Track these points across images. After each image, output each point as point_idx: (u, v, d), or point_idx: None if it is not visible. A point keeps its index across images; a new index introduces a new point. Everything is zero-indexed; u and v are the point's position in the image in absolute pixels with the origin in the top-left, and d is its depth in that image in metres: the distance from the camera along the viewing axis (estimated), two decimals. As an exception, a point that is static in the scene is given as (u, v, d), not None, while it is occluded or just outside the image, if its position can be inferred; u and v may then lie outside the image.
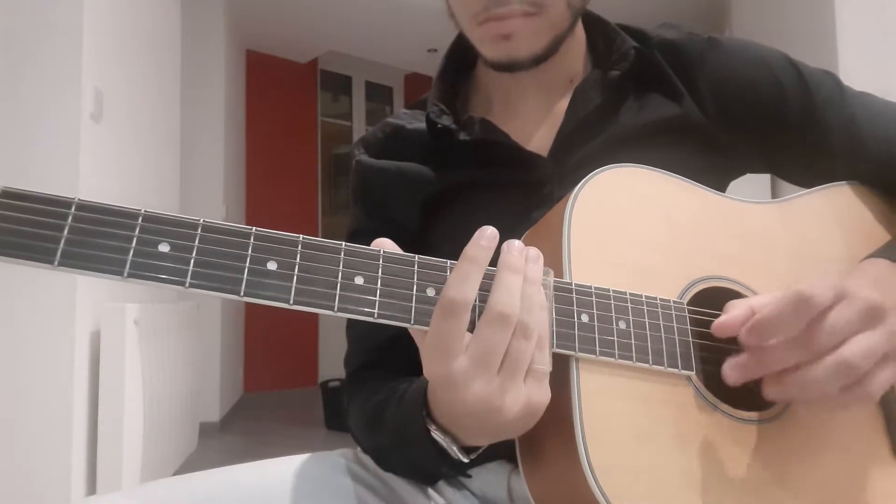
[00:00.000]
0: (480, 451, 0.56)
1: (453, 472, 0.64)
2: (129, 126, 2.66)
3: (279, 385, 5.42)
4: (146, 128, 2.92)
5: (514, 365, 0.48)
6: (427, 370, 0.50)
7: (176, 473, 2.89)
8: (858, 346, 0.51)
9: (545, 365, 0.49)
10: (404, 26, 5.30)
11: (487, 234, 0.49)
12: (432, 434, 0.55)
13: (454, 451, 0.55)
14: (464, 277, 0.48)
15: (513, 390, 0.48)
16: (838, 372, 0.51)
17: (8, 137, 2.06)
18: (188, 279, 0.44)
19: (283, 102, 5.82)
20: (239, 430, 4.30)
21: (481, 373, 0.47)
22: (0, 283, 2.06)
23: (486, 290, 0.49)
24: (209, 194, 4.26)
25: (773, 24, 3.67)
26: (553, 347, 0.52)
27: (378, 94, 6.64)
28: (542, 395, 0.50)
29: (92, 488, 2.22)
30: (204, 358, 3.75)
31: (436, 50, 5.62)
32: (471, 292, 0.48)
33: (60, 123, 2.13)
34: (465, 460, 0.55)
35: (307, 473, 0.69)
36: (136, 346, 2.35)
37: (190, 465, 3.14)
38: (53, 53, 2.14)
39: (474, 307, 0.48)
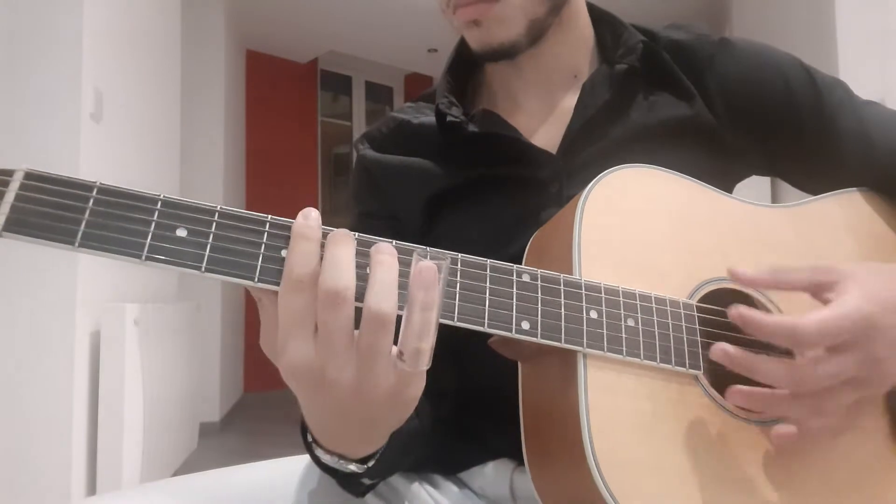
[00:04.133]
0: (377, 455, 0.54)
1: (365, 486, 0.61)
2: (129, 126, 2.66)
3: (279, 385, 5.37)
4: (146, 128, 2.92)
5: (365, 349, 0.44)
6: (282, 361, 0.45)
7: (176, 473, 2.89)
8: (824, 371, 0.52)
9: (412, 364, 0.43)
10: (404, 26, 5.30)
11: (313, 215, 0.45)
12: (321, 459, 0.53)
13: (345, 467, 0.53)
14: (302, 254, 0.44)
15: (371, 375, 0.44)
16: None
17: (8, 137, 2.06)
18: (204, 264, 0.44)
19: (283, 102, 5.82)
20: (239, 430, 4.30)
21: (329, 354, 0.43)
22: (0, 282, 2.06)
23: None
24: (209, 194, 4.26)
25: (773, 24, 3.67)
26: (562, 343, 0.52)
27: (378, 94, 6.64)
28: (412, 388, 0.45)
29: (92, 488, 2.22)
30: (204, 358, 3.75)
31: (436, 50, 5.62)
32: (311, 264, 0.44)
33: (60, 123, 2.13)
34: (360, 471, 0.54)
35: (307, 474, 0.69)
36: (136, 346, 2.35)
37: (190, 465, 3.14)
38: (53, 53, 2.14)
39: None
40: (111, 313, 2.28)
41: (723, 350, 0.53)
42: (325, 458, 0.53)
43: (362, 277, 0.45)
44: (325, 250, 0.44)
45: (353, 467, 0.53)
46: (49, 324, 2.10)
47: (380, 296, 0.43)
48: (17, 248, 2.03)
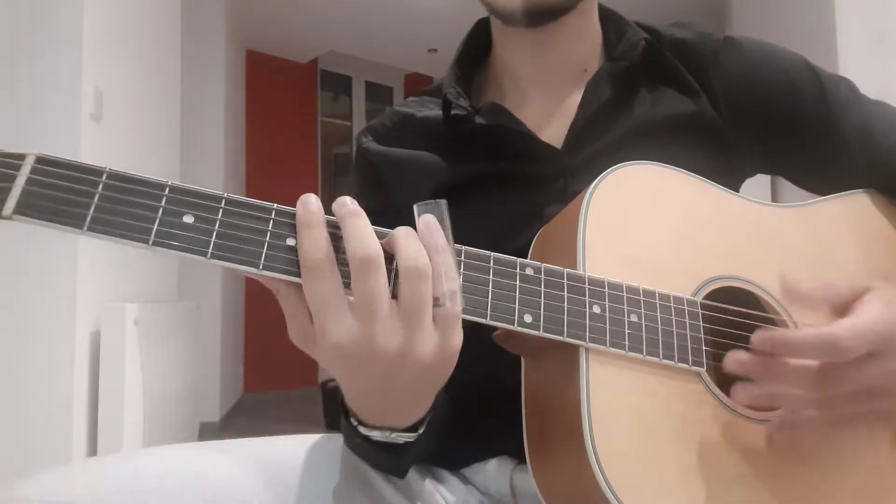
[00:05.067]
0: (426, 421, 0.54)
1: (408, 462, 0.62)
2: (129, 126, 2.66)
3: (279, 385, 5.42)
4: (146, 128, 2.92)
5: (410, 307, 0.45)
6: (324, 347, 0.46)
7: (176, 473, 2.89)
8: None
9: (451, 305, 0.47)
10: (404, 26, 5.30)
11: (311, 201, 0.47)
12: (371, 437, 0.54)
13: (398, 438, 0.54)
14: (312, 241, 0.45)
15: (419, 333, 0.46)
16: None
17: (8, 137, 2.06)
18: (210, 250, 0.45)
19: (283, 102, 5.82)
20: (239, 430, 4.30)
21: (374, 322, 0.44)
22: (0, 282, 2.06)
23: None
24: (209, 194, 4.25)
25: (773, 24, 3.67)
26: (564, 337, 0.52)
27: (378, 94, 6.64)
28: (454, 339, 0.47)
29: (92, 488, 2.22)
30: (204, 358, 3.75)
31: (436, 50, 5.62)
32: (324, 248, 0.45)
33: (60, 123, 2.13)
34: (412, 439, 0.54)
35: (321, 451, 0.69)
36: (136, 346, 2.34)
37: (190, 465, 3.14)
38: (53, 53, 2.14)
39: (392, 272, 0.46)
40: (111, 313, 2.28)
41: (737, 359, 0.52)
42: (376, 435, 0.54)
43: None
44: (343, 223, 0.46)
45: (405, 438, 0.54)
46: (49, 324, 2.10)
47: (410, 252, 0.45)
48: (18, 248, 2.03)
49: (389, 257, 0.46)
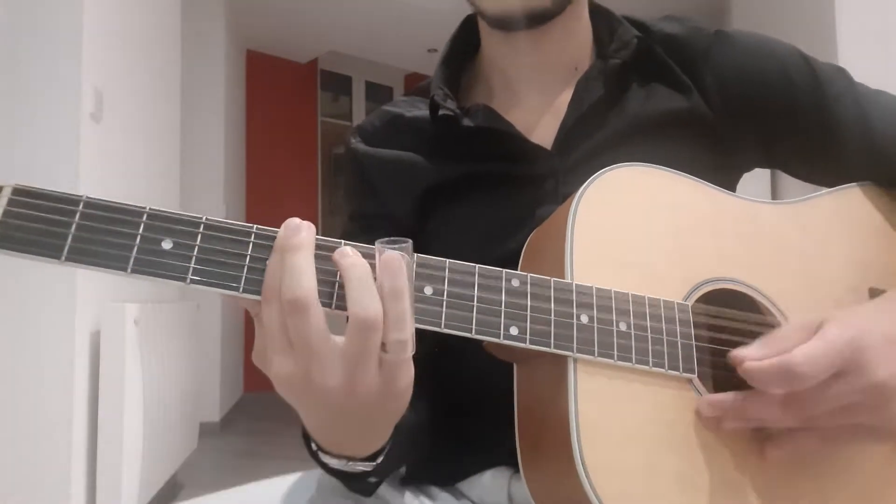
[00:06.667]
0: (385, 451, 0.54)
1: (374, 484, 0.61)
2: (129, 126, 2.66)
3: (279, 385, 5.42)
4: (146, 128, 2.92)
5: (355, 354, 0.43)
6: (272, 377, 0.45)
7: (176, 473, 2.89)
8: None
9: (398, 353, 0.44)
10: (404, 26, 5.30)
11: (290, 226, 0.45)
12: (329, 465, 0.53)
13: (354, 467, 0.53)
14: (272, 266, 0.45)
15: (361, 375, 0.44)
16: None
17: (8, 137, 2.06)
18: (189, 276, 0.45)
19: (283, 102, 5.82)
20: (239, 430, 4.30)
21: (308, 361, 0.43)
22: (0, 283, 2.06)
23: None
24: (209, 194, 4.26)
25: (772, 23, 3.67)
26: (551, 348, 0.52)
27: (378, 94, 6.64)
28: (401, 379, 0.45)
29: (92, 488, 2.22)
30: (204, 358, 3.75)
31: (436, 50, 5.61)
32: (272, 281, 0.44)
33: (60, 123, 2.13)
34: (369, 469, 0.54)
35: (295, 496, 0.68)
36: (136, 346, 2.34)
37: (190, 465, 3.14)
38: (53, 53, 2.14)
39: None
40: (111, 313, 2.27)
41: (707, 403, 0.53)
42: (333, 463, 0.53)
43: (331, 284, 0.46)
44: (281, 257, 0.44)
45: (361, 467, 0.53)
46: (49, 324, 2.10)
47: (360, 299, 0.43)
48: (17, 248, 2.03)
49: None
